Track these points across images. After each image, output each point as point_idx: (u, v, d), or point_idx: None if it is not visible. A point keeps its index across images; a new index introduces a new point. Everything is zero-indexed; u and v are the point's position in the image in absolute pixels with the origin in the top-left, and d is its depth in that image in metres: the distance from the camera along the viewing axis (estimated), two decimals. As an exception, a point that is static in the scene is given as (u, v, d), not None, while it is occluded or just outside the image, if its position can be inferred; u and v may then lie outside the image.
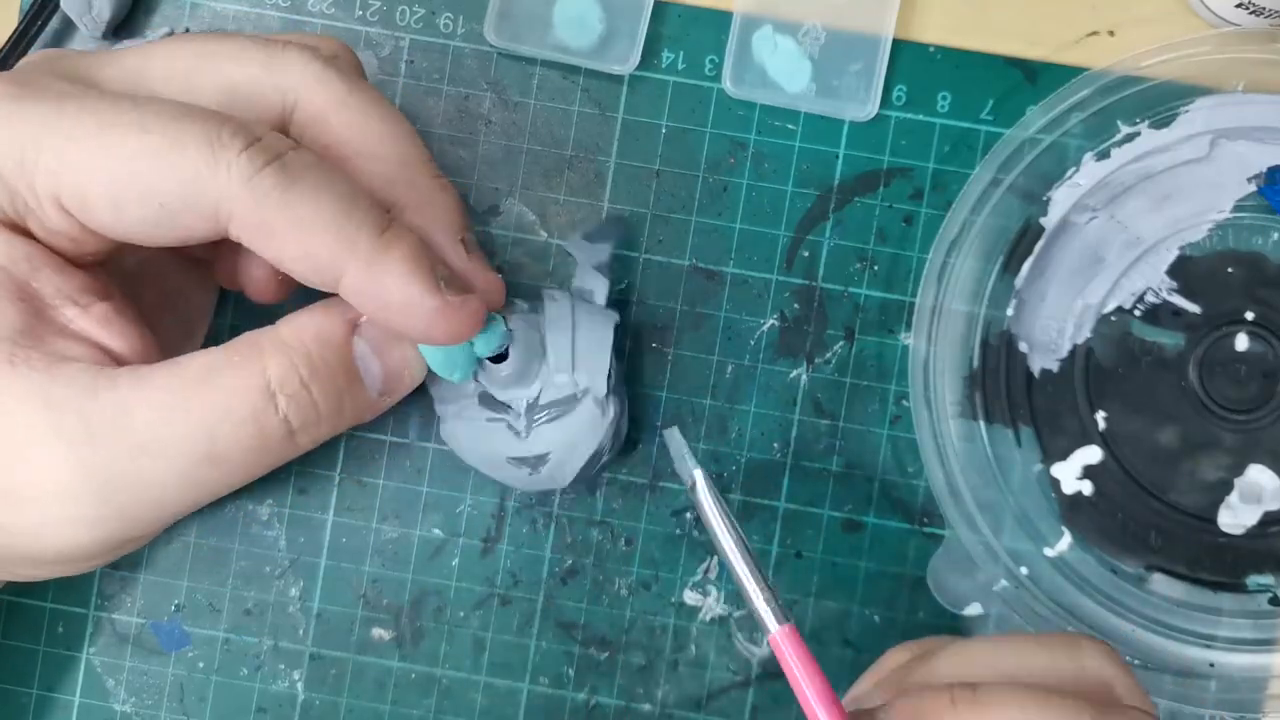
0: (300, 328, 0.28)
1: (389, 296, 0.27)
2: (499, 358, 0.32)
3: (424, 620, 0.37)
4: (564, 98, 0.37)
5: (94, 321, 0.28)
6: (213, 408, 0.27)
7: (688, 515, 0.37)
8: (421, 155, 0.30)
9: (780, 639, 0.27)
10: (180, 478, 0.27)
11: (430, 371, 0.31)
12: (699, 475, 0.29)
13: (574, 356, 0.33)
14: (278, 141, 0.27)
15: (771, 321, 0.36)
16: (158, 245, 0.27)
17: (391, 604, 0.37)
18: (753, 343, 0.36)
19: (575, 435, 0.33)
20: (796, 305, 0.36)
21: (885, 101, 0.36)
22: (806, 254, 0.36)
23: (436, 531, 0.37)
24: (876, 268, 0.36)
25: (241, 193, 0.26)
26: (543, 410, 0.33)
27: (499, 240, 0.37)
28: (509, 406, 0.33)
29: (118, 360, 0.28)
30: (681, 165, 0.36)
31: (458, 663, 0.37)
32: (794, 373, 0.36)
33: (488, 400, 0.33)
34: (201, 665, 0.37)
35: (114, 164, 0.26)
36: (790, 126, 0.36)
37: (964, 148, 0.36)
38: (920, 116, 0.36)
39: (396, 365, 0.30)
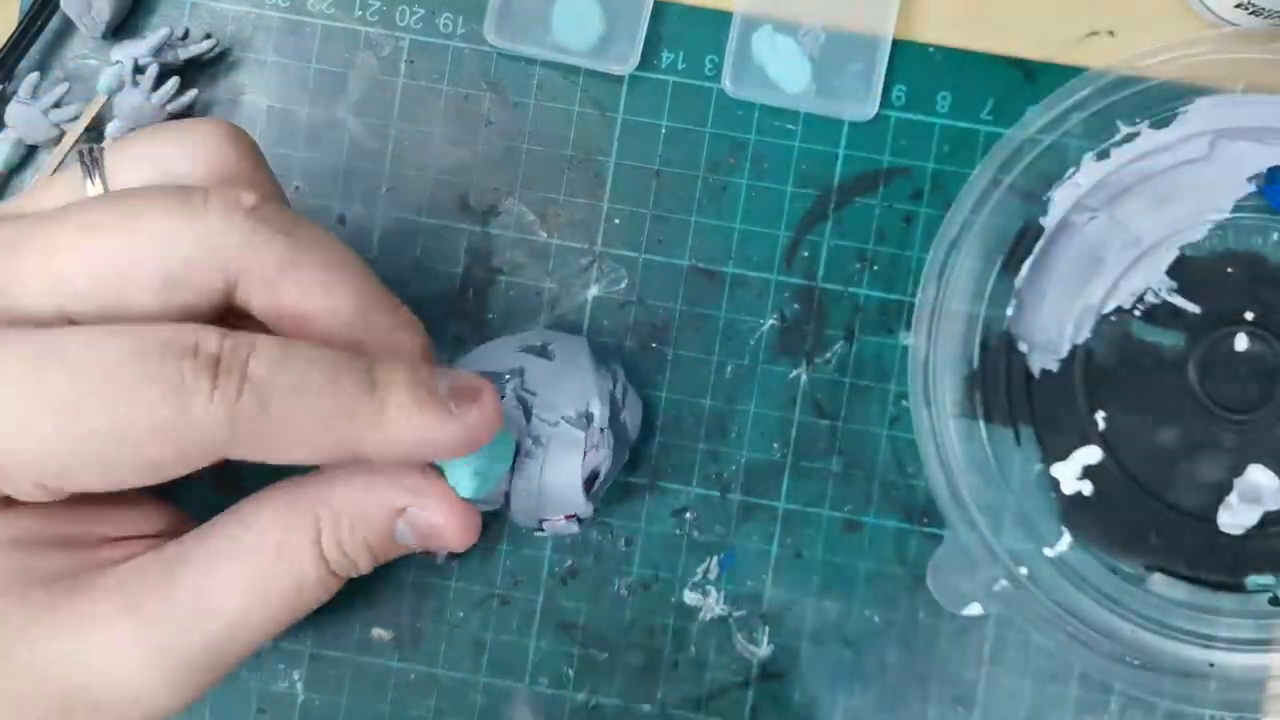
0: (351, 503, 0.27)
1: (412, 447, 0.26)
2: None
3: (424, 620, 0.36)
4: (564, 98, 0.36)
5: (128, 524, 0.28)
6: (290, 576, 0.27)
7: (687, 515, 0.36)
8: (378, 292, 0.28)
9: None
10: (262, 640, 0.27)
11: None
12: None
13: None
14: (237, 349, 0.24)
15: (771, 321, 0.36)
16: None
17: (391, 604, 0.36)
18: (752, 343, 0.36)
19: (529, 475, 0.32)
20: (796, 305, 0.36)
21: (885, 101, 0.35)
22: (806, 254, 0.36)
23: None
24: (876, 267, 0.36)
25: (228, 433, 0.24)
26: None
27: (498, 241, 0.36)
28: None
29: (166, 537, 0.28)
30: (681, 165, 0.36)
31: (457, 663, 0.36)
32: (793, 373, 0.36)
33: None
34: None
35: (77, 446, 0.24)
36: (790, 126, 0.36)
37: (964, 148, 0.35)
38: (920, 116, 0.36)
39: (433, 544, 0.29)
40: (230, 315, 0.27)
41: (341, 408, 0.25)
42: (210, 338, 0.24)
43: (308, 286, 0.26)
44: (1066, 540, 0.35)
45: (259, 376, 0.24)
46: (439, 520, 0.28)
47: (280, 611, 0.27)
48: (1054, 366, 0.35)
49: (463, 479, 0.28)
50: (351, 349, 0.27)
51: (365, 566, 0.28)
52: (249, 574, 0.26)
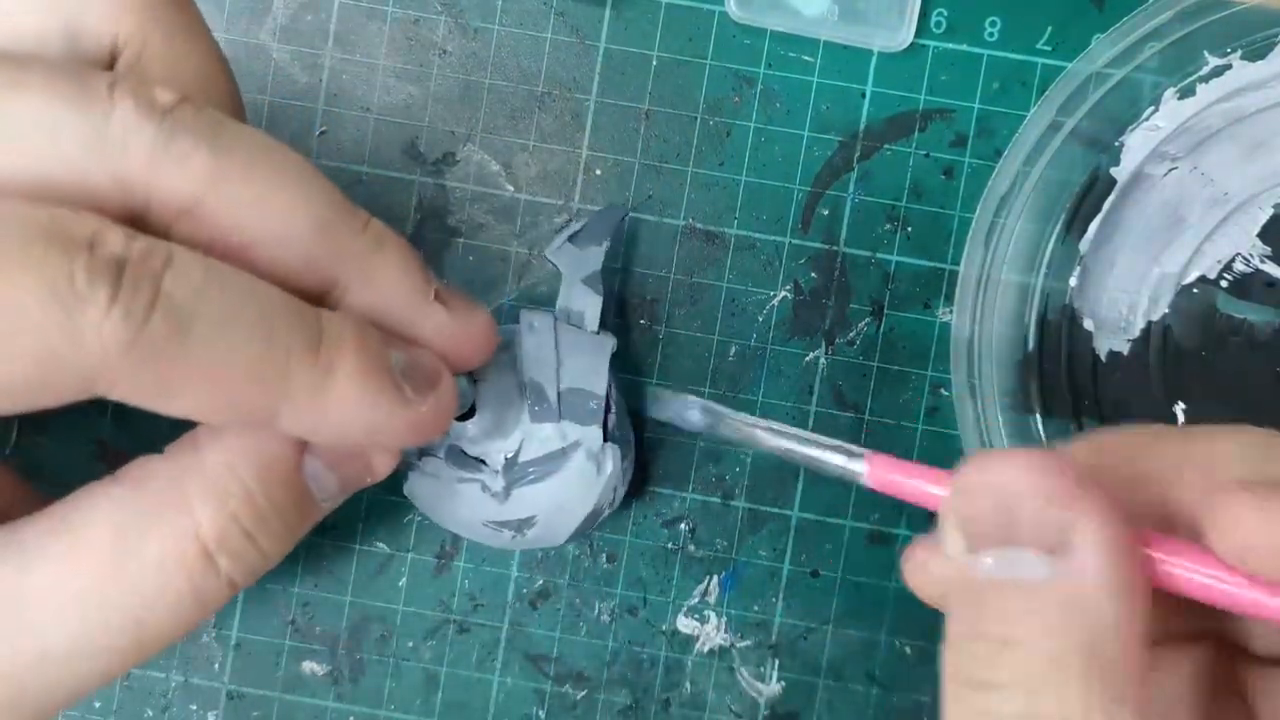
0: (234, 457, 0.22)
1: (345, 427, 0.22)
2: (465, 414, 0.27)
3: (365, 652, 0.32)
4: (535, 23, 0.32)
5: None
6: (138, 589, 0.22)
7: (682, 526, 0.32)
8: (340, 207, 0.23)
9: (879, 471, 0.23)
10: (103, 674, 0.23)
11: None
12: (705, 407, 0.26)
13: (559, 403, 0.28)
14: (149, 256, 0.19)
15: (784, 294, 0.32)
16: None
17: (326, 632, 0.32)
18: (761, 319, 0.32)
19: (565, 495, 0.28)
20: (814, 274, 0.32)
21: (922, 29, 0.32)
22: (826, 212, 0.32)
23: (380, 545, 0.32)
24: (910, 229, 0.32)
25: (123, 362, 0.19)
26: (524, 470, 0.28)
27: (455, 195, 0.32)
28: (483, 463, 0.28)
29: None
30: (676, 105, 0.32)
31: (405, 703, 0.32)
32: (811, 355, 0.32)
33: (457, 457, 0.28)
34: (98, 705, 0.32)
35: None
36: (807, 58, 0.32)
37: (1017, 84, 0.32)
38: (964, 47, 0.32)
39: (357, 473, 0.25)
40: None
41: (273, 363, 0.20)
42: (112, 234, 0.19)
43: (244, 206, 0.21)
44: (1139, 558, 0.30)
45: (178, 296, 0.19)
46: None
47: (138, 629, 0.22)
48: (1124, 348, 0.32)
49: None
50: (311, 289, 0.22)
51: (276, 544, 0.23)
52: (85, 575, 0.21)
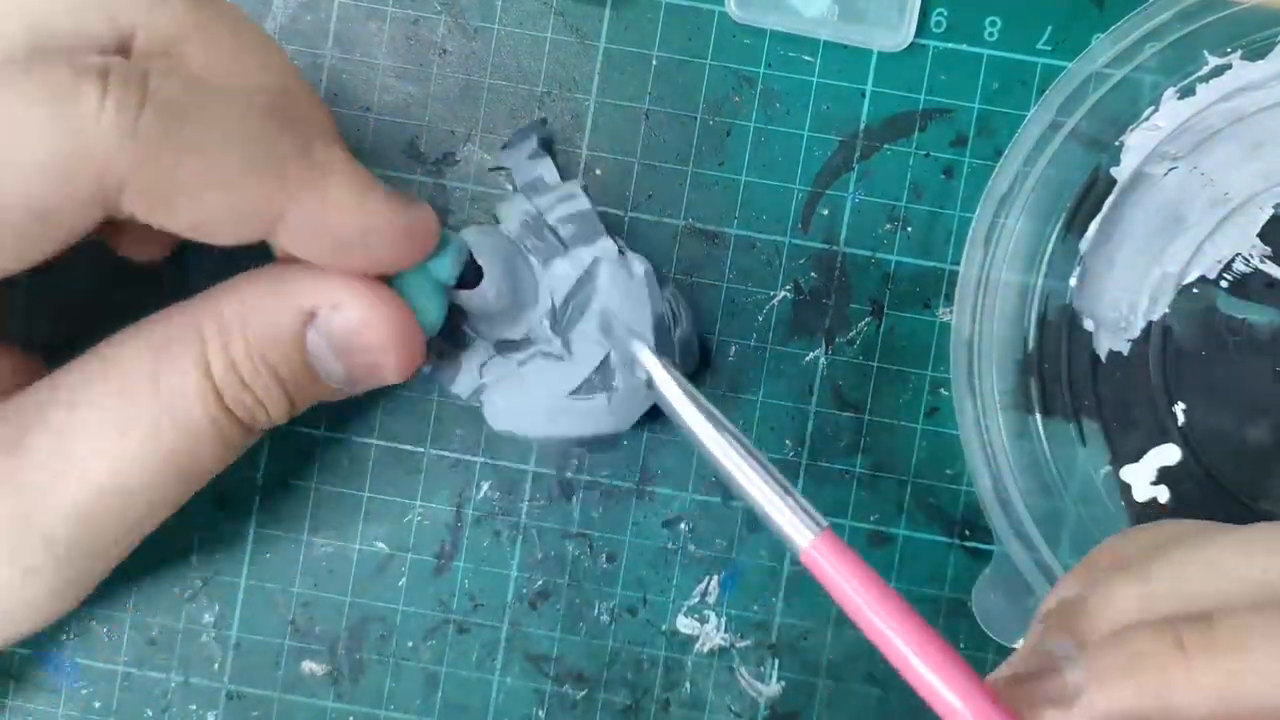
0: (245, 310, 0.24)
1: (343, 229, 0.23)
2: (469, 284, 0.28)
3: (365, 652, 0.32)
4: (534, 22, 0.32)
5: None
6: (167, 413, 0.24)
7: (682, 526, 0.32)
8: (303, 81, 0.26)
9: (818, 551, 0.23)
10: (153, 504, 0.25)
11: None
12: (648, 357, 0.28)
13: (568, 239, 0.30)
14: (130, 66, 0.21)
15: (784, 293, 0.32)
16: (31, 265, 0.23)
17: (326, 632, 0.32)
18: (761, 319, 0.32)
19: (617, 307, 0.29)
20: (814, 274, 0.32)
21: (922, 28, 0.32)
22: (826, 212, 0.32)
23: (380, 545, 0.32)
24: (910, 229, 0.32)
25: (125, 156, 0.21)
26: (564, 308, 0.29)
27: (455, 195, 0.32)
28: (529, 342, 0.29)
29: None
30: (676, 105, 0.32)
31: (405, 703, 0.32)
32: (810, 355, 0.32)
33: (504, 345, 0.29)
34: (98, 705, 0.32)
35: None
36: (807, 58, 0.32)
37: (1017, 84, 0.32)
38: (964, 46, 0.32)
39: (367, 368, 0.26)
40: None
41: (271, 159, 0.22)
42: (90, 55, 0.21)
43: (221, 53, 0.23)
44: (1139, 558, 0.30)
45: (165, 92, 0.21)
46: (359, 318, 0.24)
47: (165, 469, 0.24)
48: (1124, 348, 0.32)
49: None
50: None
51: (275, 406, 0.25)
52: (115, 419, 0.23)
